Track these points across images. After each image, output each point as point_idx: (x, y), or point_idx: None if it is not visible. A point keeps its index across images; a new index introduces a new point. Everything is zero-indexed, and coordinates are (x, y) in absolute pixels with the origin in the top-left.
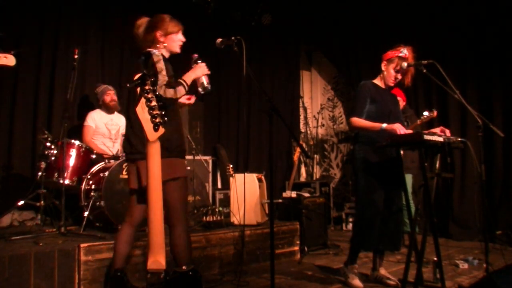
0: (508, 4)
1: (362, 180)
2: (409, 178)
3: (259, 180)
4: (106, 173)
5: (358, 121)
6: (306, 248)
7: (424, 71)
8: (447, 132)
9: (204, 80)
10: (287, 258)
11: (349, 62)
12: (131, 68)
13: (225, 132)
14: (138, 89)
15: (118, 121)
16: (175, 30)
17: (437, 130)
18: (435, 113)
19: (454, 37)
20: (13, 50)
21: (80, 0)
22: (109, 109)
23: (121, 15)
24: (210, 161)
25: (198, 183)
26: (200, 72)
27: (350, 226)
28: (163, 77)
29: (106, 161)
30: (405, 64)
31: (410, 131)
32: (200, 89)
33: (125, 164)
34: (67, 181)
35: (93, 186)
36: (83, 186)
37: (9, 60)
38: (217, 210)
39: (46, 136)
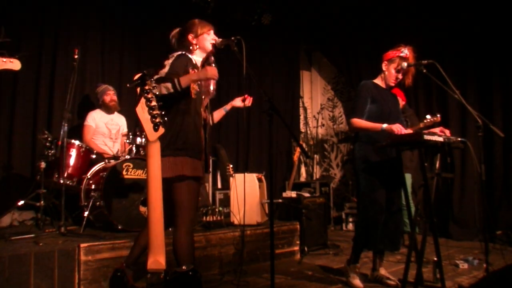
0: (508, 4)
1: (363, 180)
2: (408, 178)
3: (259, 180)
4: (106, 173)
5: (358, 121)
6: (306, 248)
7: (424, 71)
8: (447, 133)
9: (211, 86)
10: (287, 258)
11: (349, 62)
12: (131, 68)
13: (225, 132)
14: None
15: (118, 121)
16: (205, 30)
17: (436, 130)
18: (438, 117)
19: (454, 37)
20: (17, 54)
21: (80, 0)
22: (109, 109)
23: (121, 15)
24: (210, 161)
25: None
26: (204, 75)
27: (350, 226)
28: (161, 75)
29: (106, 161)
30: (405, 64)
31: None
32: (203, 95)
33: (125, 164)
34: (67, 181)
35: (93, 186)
36: (83, 186)
37: (15, 64)
38: (217, 210)
39: (46, 136)
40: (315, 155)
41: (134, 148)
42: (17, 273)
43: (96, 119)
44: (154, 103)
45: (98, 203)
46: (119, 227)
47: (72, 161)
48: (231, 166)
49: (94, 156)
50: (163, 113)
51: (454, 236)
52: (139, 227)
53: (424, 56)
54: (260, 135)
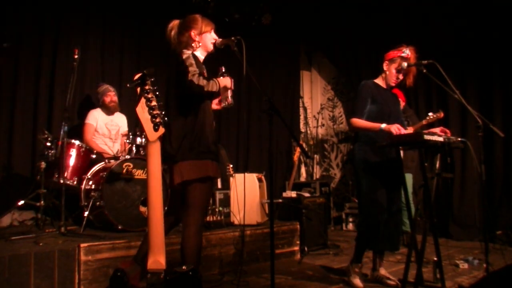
0: (508, 3)
1: (364, 179)
2: (409, 178)
3: (259, 180)
4: (106, 173)
5: (358, 121)
6: (306, 248)
7: (424, 71)
8: (448, 132)
9: (229, 94)
10: (287, 258)
11: (349, 62)
12: (131, 68)
13: (225, 132)
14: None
15: (119, 121)
16: (208, 29)
17: (437, 130)
18: (441, 114)
19: (454, 37)
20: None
21: (80, 0)
22: (108, 110)
23: (121, 15)
24: None
25: None
26: (228, 83)
27: (350, 226)
28: (194, 68)
29: (106, 161)
30: (405, 64)
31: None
32: (222, 103)
33: (125, 164)
34: (67, 181)
35: (93, 186)
36: (83, 186)
37: None
38: (217, 210)
39: (46, 136)
40: (315, 155)
41: (134, 148)
42: (17, 273)
43: (97, 118)
44: (154, 103)
45: (98, 203)
46: (119, 227)
47: (72, 161)
48: (231, 166)
49: (94, 156)
50: (163, 113)
51: (454, 236)
52: (139, 227)
53: (424, 56)
54: (260, 135)
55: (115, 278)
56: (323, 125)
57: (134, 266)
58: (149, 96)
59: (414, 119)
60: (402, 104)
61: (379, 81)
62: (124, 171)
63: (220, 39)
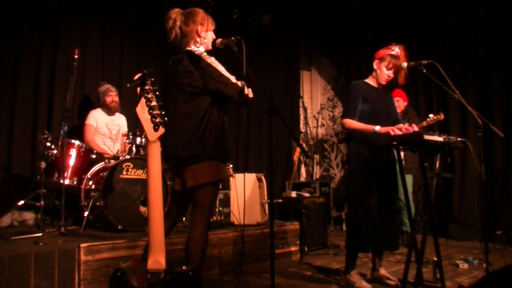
0: (508, 3)
1: (356, 183)
2: (409, 178)
3: (259, 180)
4: (106, 173)
5: (351, 122)
6: (306, 248)
7: (424, 71)
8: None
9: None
10: (287, 258)
11: (349, 62)
12: (131, 68)
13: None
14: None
15: (119, 121)
16: (212, 27)
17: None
18: (442, 116)
19: (454, 37)
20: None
21: (80, 0)
22: (109, 110)
23: (121, 15)
24: None
25: None
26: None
27: None
28: (232, 78)
29: (106, 161)
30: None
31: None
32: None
33: (125, 164)
34: (67, 181)
35: (93, 186)
36: (83, 186)
37: None
38: (217, 210)
39: (46, 136)
40: (315, 155)
41: (134, 148)
42: (17, 273)
43: (97, 118)
44: (154, 103)
45: (98, 203)
46: (119, 227)
47: (72, 161)
48: (231, 166)
49: (94, 156)
50: (163, 113)
51: (454, 236)
52: (139, 227)
53: (424, 56)
54: (260, 135)
55: (115, 278)
56: (323, 125)
57: (142, 265)
58: (149, 96)
59: (415, 120)
60: (404, 104)
61: (370, 80)
62: (124, 171)
63: (220, 39)
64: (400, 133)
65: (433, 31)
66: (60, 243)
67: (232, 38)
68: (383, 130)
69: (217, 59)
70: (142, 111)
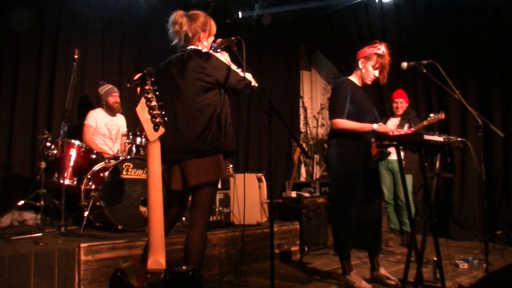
0: (508, 3)
1: (339, 187)
2: (409, 179)
3: (259, 180)
4: (106, 173)
5: (343, 122)
6: (306, 248)
7: (424, 71)
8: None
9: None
10: (287, 258)
11: (349, 62)
12: (131, 68)
13: None
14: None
15: (119, 122)
16: (214, 32)
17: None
18: (443, 115)
19: (454, 36)
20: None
21: (80, 0)
22: (111, 111)
23: (121, 15)
24: None
25: None
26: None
27: None
28: (240, 71)
29: (106, 161)
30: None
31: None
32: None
33: (125, 164)
34: (67, 181)
35: (93, 186)
36: (83, 186)
37: None
38: (217, 210)
39: (46, 136)
40: (315, 155)
41: (134, 148)
42: (17, 273)
43: (97, 118)
44: (154, 103)
45: (98, 203)
46: (119, 227)
47: (72, 161)
48: (231, 166)
49: (94, 156)
50: (163, 113)
51: (454, 236)
52: (139, 227)
53: (424, 55)
54: (260, 135)
55: (115, 278)
56: (323, 125)
57: (142, 265)
58: (149, 96)
59: (416, 121)
60: (406, 105)
61: (354, 78)
62: (124, 171)
63: (220, 39)
64: (398, 133)
65: (432, 31)
66: (60, 243)
67: (232, 38)
68: (381, 129)
69: None
70: (142, 111)
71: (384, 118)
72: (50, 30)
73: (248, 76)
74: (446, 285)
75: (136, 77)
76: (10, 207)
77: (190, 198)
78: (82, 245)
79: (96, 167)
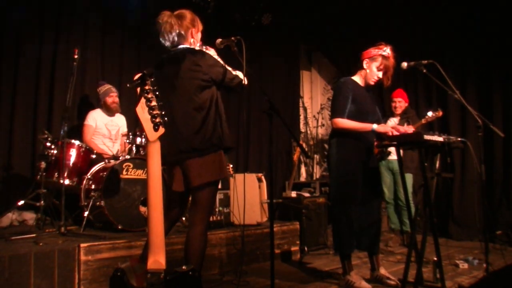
0: (508, 3)
1: (339, 187)
2: (409, 178)
3: (259, 180)
4: (106, 173)
5: (344, 121)
6: (306, 248)
7: (424, 71)
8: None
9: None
10: (287, 258)
11: (349, 62)
12: (131, 68)
13: None
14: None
15: (118, 122)
16: (201, 28)
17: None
18: (440, 112)
19: (454, 36)
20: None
21: (80, 0)
22: (110, 111)
23: (121, 15)
24: None
25: None
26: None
27: None
28: (232, 70)
29: (106, 161)
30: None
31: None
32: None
33: (125, 164)
34: (67, 181)
35: (93, 186)
36: (83, 186)
37: None
38: (217, 210)
39: (46, 136)
40: (315, 155)
41: (134, 148)
42: (17, 273)
43: (96, 119)
44: (154, 103)
45: (98, 203)
46: (119, 227)
47: (72, 161)
48: (231, 166)
49: (94, 156)
50: (163, 113)
51: (454, 236)
52: (139, 227)
53: (424, 55)
54: (260, 135)
55: (115, 278)
56: (323, 125)
57: (141, 265)
58: (149, 96)
59: (415, 120)
60: (405, 105)
61: (357, 79)
62: (124, 171)
63: (220, 39)
64: (398, 133)
65: (433, 31)
66: (60, 243)
67: (232, 38)
68: (381, 129)
69: None
70: (142, 111)
71: (384, 118)
72: (50, 30)
73: (239, 74)
74: (446, 285)
75: (136, 77)
76: (10, 207)
77: (190, 198)
78: (82, 245)
79: (96, 167)
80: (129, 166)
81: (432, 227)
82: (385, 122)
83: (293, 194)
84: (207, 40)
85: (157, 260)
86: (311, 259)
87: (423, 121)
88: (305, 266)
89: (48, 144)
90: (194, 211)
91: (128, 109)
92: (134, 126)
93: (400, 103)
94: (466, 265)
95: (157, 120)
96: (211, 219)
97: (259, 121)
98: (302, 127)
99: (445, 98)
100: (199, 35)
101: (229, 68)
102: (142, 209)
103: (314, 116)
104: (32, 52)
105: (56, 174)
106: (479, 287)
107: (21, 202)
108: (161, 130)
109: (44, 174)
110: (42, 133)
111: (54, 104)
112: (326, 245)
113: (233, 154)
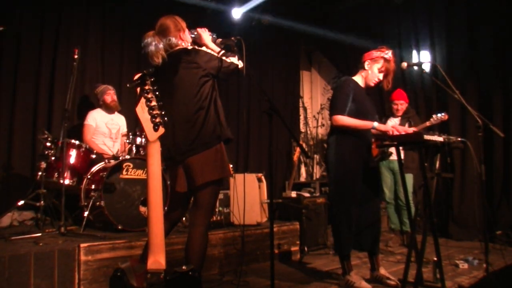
0: (508, 3)
1: (339, 187)
2: (409, 178)
3: (259, 180)
4: (106, 173)
5: (345, 119)
6: (306, 248)
7: (424, 71)
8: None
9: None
10: (287, 258)
11: (349, 62)
12: (131, 68)
13: None
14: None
15: (119, 121)
16: (185, 26)
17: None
18: (446, 116)
19: (454, 36)
20: None
21: (80, 0)
22: (109, 109)
23: (121, 15)
24: None
25: None
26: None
27: None
28: (227, 59)
29: (106, 161)
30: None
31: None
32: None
33: (125, 164)
34: (67, 181)
35: (93, 186)
36: (83, 186)
37: None
38: (217, 210)
39: (46, 136)
40: (315, 155)
41: (134, 148)
42: (17, 273)
43: (96, 118)
44: (154, 103)
45: (98, 203)
46: (119, 227)
47: (72, 161)
48: (231, 166)
49: (94, 156)
50: (163, 113)
51: (454, 236)
52: (139, 227)
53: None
54: (260, 135)
55: (115, 278)
56: (323, 125)
57: (141, 265)
58: (149, 96)
59: (416, 120)
60: (405, 105)
61: (358, 79)
62: (124, 171)
63: (220, 39)
64: (398, 132)
65: (432, 31)
66: (60, 243)
67: (232, 38)
68: (382, 128)
69: None
70: (142, 111)
71: (384, 118)
72: (50, 30)
73: (233, 59)
74: (446, 285)
75: (136, 77)
76: (10, 207)
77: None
78: (82, 245)
79: (96, 167)
80: (129, 166)
81: (432, 227)
82: (385, 122)
83: (293, 194)
84: None
85: (157, 260)
86: (311, 259)
87: (428, 123)
88: (305, 266)
89: (48, 144)
90: (196, 212)
91: (128, 109)
92: (134, 126)
93: (402, 105)
94: (466, 265)
95: (157, 120)
96: (211, 219)
97: (259, 121)
98: (302, 127)
99: (445, 98)
100: (187, 33)
101: (224, 58)
102: (142, 209)
103: (314, 116)
104: (32, 52)
105: (56, 174)
106: (479, 287)
107: (21, 202)
108: (161, 130)
109: (44, 174)
110: (42, 133)
111: (54, 104)
112: (326, 245)
113: (233, 154)
